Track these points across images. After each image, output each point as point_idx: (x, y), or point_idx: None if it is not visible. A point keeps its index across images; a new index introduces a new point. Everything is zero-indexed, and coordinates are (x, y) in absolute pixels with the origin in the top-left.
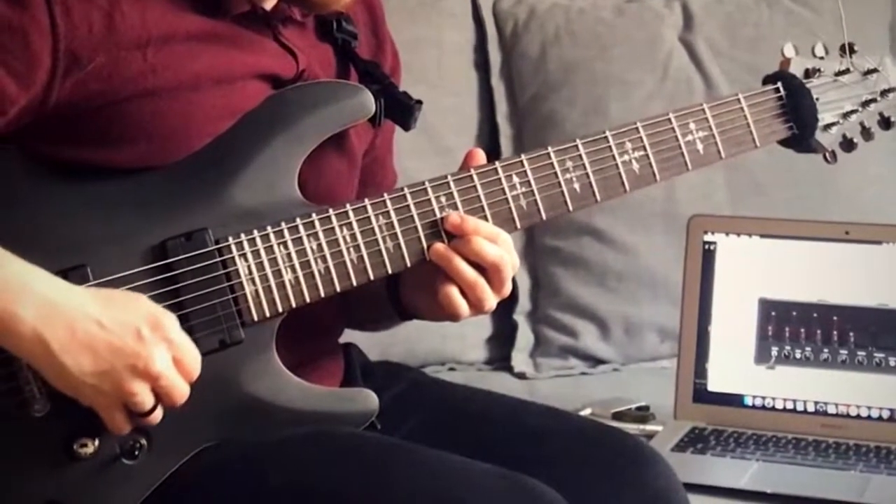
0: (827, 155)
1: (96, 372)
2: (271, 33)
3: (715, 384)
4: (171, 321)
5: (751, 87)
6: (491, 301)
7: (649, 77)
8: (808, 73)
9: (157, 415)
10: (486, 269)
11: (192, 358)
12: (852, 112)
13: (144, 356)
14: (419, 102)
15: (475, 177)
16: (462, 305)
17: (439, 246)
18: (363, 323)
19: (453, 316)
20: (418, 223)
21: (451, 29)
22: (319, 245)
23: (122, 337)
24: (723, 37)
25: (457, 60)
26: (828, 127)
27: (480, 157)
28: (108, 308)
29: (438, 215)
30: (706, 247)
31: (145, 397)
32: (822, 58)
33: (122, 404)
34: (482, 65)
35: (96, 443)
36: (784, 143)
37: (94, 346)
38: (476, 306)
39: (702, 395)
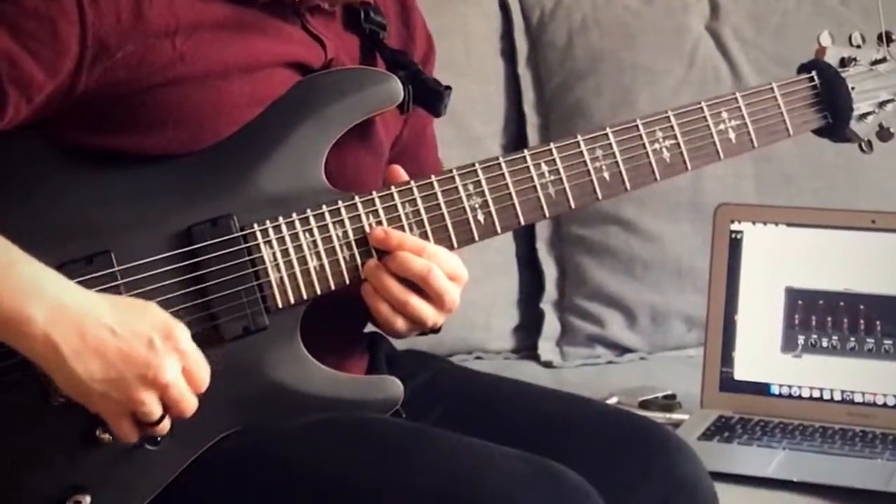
0: (863, 145)
1: (105, 379)
2: (299, 22)
3: (741, 373)
4: (182, 332)
5: (784, 76)
6: (431, 318)
7: (676, 66)
8: (844, 62)
9: (165, 425)
10: (418, 285)
11: (202, 370)
12: (888, 101)
13: (155, 365)
14: (448, 88)
15: (503, 165)
16: (396, 322)
17: (370, 262)
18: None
19: (392, 333)
20: (445, 211)
21: (477, 17)
22: (345, 232)
23: (134, 345)
24: (749, 26)
25: (483, 49)
26: (863, 116)
27: (402, 173)
28: (121, 315)
29: (466, 203)
30: (733, 236)
31: (153, 407)
32: (858, 46)
33: (130, 413)
34: (509, 53)
35: None
36: (819, 132)
37: (104, 353)
38: (415, 322)
39: (728, 383)
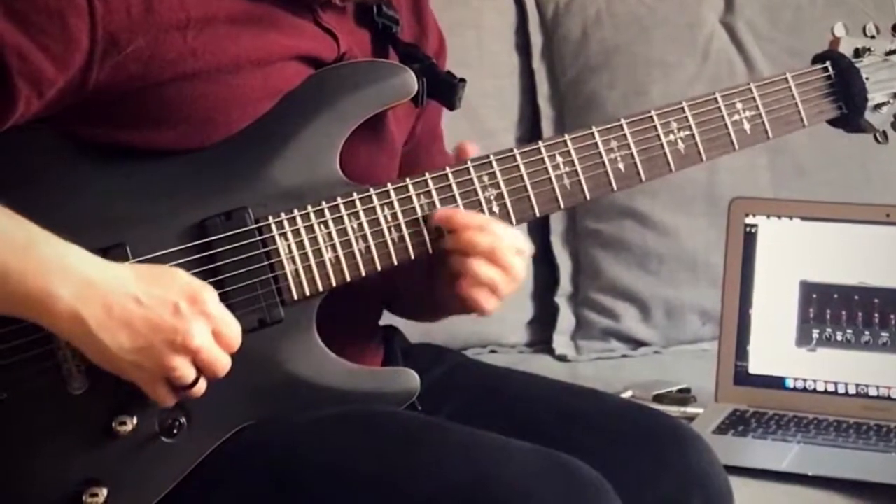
0: (878, 135)
1: (135, 348)
2: (311, 16)
3: (756, 367)
4: (209, 294)
5: (798, 67)
6: (504, 289)
7: (690, 60)
8: (858, 53)
9: (201, 387)
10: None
11: (232, 330)
12: None
13: (182, 331)
14: (463, 81)
15: (518, 156)
16: (484, 301)
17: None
18: (414, 314)
19: (479, 312)
20: (460, 202)
21: (492, 11)
22: (360, 224)
23: (160, 313)
24: (764, 19)
25: (498, 43)
26: (878, 107)
27: (472, 149)
28: (146, 284)
29: (481, 195)
30: (747, 229)
31: (186, 371)
32: (872, 37)
33: (165, 378)
34: (523, 47)
35: (135, 421)
36: (834, 122)
37: (131, 323)
38: (495, 293)
39: (743, 377)
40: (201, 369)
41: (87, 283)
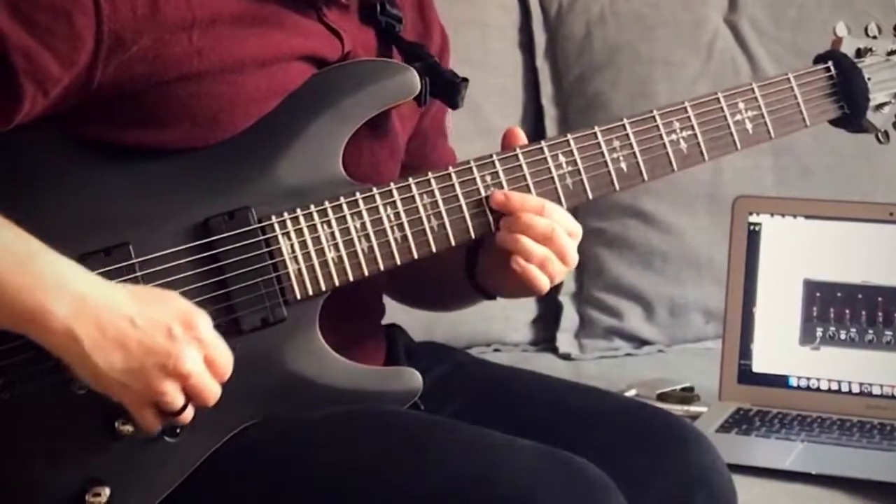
0: (879, 135)
1: (126, 370)
2: (316, 15)
3: (760, 365)
4: (203, 321)
5: (800, 67)
6: (561, 274)
7: (694, 58)
8: (860, 53)
9: (188, 414)
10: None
11: (224, 358)
12: None
13: (175, 355)
14: (465, 80)
15: (521, 156)
16: (538, 277)
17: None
18: (437, 303)
19: (533, 289)
20: (463, 202)
21: (495, 10)
22: (363, 224)
23: (153, 335)
24: (768, 18)
25: (501, 41)
26: (880, 107)
27: (521, 135)
28: (141, 306)
29: (483, 194)
30: (751, 228)
31: (175, 396)
32: (874, 37)
33: (152, 403)
34: (527, 46)
35: None
36: (836, 122)
37: (124, 344)
38: (551, 276)
39: (746, 376)
40: (190, 396)
41: (83, 301)
